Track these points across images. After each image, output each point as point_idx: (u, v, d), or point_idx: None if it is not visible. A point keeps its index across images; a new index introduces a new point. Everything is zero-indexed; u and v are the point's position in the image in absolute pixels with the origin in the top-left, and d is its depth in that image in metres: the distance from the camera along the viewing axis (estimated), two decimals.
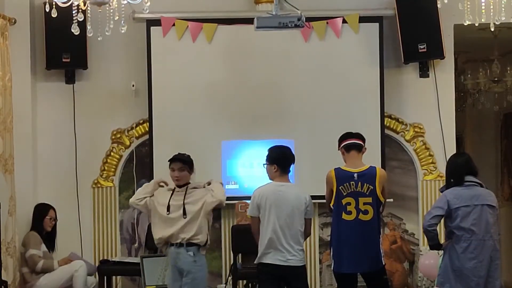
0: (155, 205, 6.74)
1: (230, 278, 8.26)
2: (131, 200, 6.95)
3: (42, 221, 8.21)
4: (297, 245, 6.47)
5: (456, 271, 6.38)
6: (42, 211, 8.26)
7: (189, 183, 6.77)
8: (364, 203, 6.62)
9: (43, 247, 8.14)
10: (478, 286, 6.35)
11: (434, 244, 6.51)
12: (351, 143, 6.82)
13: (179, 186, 6.74)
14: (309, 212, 6.59)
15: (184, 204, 6.64)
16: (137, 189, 8.37)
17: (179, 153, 6.84)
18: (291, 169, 6.70)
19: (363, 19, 8.60)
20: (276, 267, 6.44)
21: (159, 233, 6.72)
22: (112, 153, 8.79)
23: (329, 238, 7.18)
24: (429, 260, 8.10)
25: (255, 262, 6.57)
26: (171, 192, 6.75)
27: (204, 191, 6.71)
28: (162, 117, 8.61)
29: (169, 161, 6.80)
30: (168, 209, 6.67)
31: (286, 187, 6.55)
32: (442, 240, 6.69)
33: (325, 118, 8.60)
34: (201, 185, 6.78)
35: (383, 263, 6.76)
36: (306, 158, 8.53)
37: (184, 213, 6.62)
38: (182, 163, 6.74)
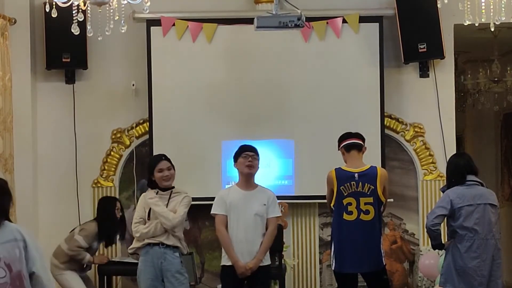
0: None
1: None
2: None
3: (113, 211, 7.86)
4: None
5: (459, 270, 6.38)
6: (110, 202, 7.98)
7: (173, 187, 6.65)
8: (365, 203, 6.62)
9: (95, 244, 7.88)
10: (481, 285, 6.36)
11: (437, 244, 6.51)
12: (351, 143, 6.82)
13: (164, 190, 6.62)
14: None
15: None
16: (137, 189, 8.47)
17: (158, 154, 6.79)
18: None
19: (363, 19, 8.59)
20: None
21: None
22: (112, 153, 8.79)
23: (329, 238, 7.17)
24: (429, 260, 8.10)
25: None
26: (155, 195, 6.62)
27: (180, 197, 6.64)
28: (162, 117, 8.60)
29: (153, 163, 6.67)
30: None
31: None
32: (444, 240, 6.69)
33: (325, 118, 8.58)
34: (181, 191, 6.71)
35: (384, 263, 6.76)
36: (306, 158, 8.52)
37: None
38: (169, 161, 6.65)
